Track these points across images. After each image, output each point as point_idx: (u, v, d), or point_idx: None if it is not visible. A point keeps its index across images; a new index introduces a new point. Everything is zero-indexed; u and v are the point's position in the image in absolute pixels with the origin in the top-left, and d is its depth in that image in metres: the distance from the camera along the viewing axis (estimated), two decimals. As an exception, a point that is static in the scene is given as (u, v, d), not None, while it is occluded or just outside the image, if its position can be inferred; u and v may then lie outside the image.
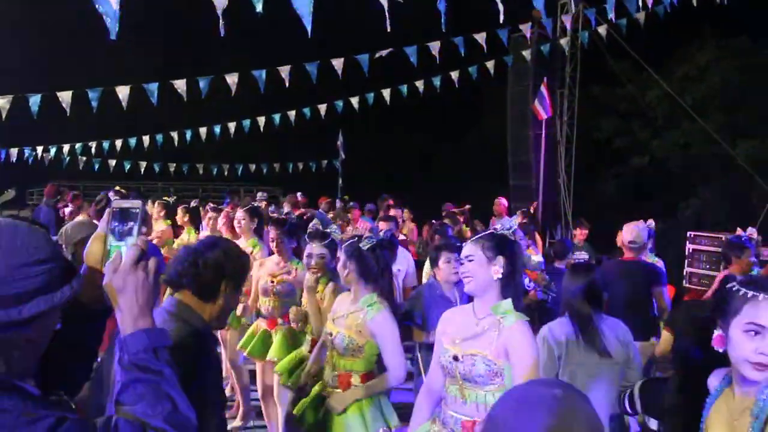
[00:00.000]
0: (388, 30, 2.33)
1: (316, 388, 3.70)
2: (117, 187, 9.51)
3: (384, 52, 9.71)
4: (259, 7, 1.98)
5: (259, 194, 13.40)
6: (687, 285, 9.35)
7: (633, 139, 19.43)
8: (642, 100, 17.36)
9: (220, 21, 2.01)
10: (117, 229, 1.55)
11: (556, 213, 13.54)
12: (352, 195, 14.70)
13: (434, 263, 4.77)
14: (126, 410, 1.40)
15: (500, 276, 2.83)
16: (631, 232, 5.59)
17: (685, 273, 9.59)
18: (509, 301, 2.84)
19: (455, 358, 2.84)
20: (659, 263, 6.11)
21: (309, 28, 1.99)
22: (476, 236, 2.97)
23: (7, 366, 1.33)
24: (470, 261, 2.88)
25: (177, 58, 19.15)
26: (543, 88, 11.61)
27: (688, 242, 9.75)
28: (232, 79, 9.59)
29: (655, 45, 14.96)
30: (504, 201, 10.81)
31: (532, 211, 11.18)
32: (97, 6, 1.94)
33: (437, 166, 23.21)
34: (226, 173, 19.64)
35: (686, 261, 9.74)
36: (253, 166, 19.72)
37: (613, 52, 14.24)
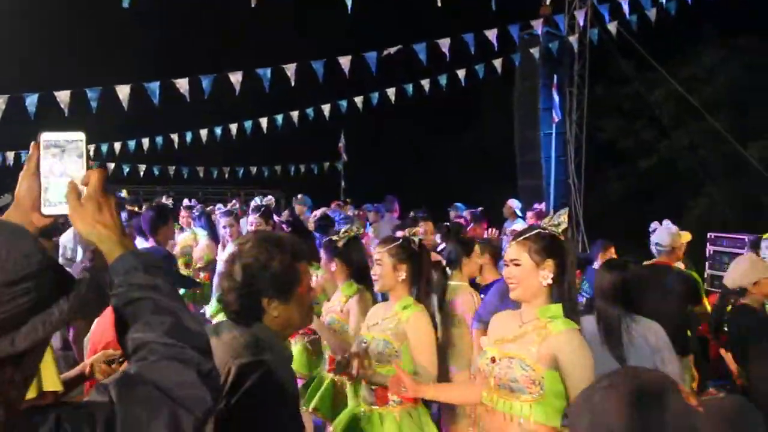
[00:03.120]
0: (439, 4, 2.06)
1: (351, 409, 3.39)
2: (123, 192, 9.22)
3: (392, 50, 9.45)
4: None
5: (268, 197, 13.06)
6: (709, 288, 9.05)
7: (637, 139, 19.19)
8: (647, 99, 17.11)
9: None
10: (54, 164, 1.34)
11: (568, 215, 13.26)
12: (354, 197, 14.47)
13: None
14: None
15: (549, 281, 2.58)
16: (660, 235, 5.28)
17: (706, 276, 9.28)
18: (559, 306, 2.59)
19: (492, 360, 2.61)
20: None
21: (349, 3, 1.73)
22: (521, 236, 2.67)
23: (7, 410, 1.03)
24: (516, 265, 2.62)
25: (179, 56, 18.77)
26: (554, 90, 11.34)
27: (708, 244, 9.45)
28: (236, 77, 9.32)
29: (659, 45, 14.72)
30: (515, 203, 10.53)
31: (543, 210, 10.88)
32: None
33: (439, 166, 22.94)
34: (226, 176, 19.34)
35: (707, 263, 9.44)
36: (254, 169, 19.42)
37: (614, 54, 14.03)
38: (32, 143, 1.35)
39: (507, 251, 2.70)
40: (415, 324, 3.23)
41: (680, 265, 5.69)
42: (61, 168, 1.34)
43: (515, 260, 2.62)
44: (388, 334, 3.27)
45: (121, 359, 2.75)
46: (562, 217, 2.73)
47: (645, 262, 5.70)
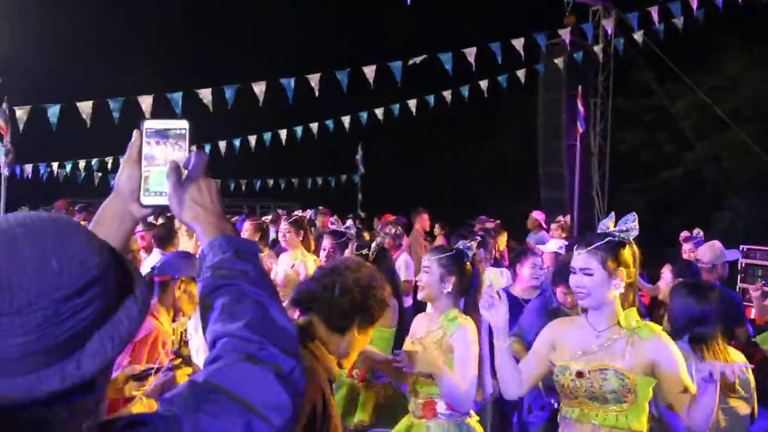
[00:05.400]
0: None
1: (404, 421, 3.25)
2: None
3: (418, 60, 9.32)
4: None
5: (280, 210, 12.94)
6: (744, 303, 8.82)
7: (659, 151, 18.94)
8: (670, 111, 16.91)
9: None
10: (154, 153, 1.27)
11: (591, 227, 13.06)
12: (371, 210, 14.33)
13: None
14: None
15: (622, 290, 2.54)
16: (707, 252, 5.07)
17: (738, 289, 9.05)
18: (634, 310, 2.57)
19: (579, 375, 2.50)
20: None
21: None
22: (592, 245, 2.56)
23: None
24: (588, 275, 2.53)
25: (202, 66, 18.66)
26: (579, 100, 11.17)
27: (741, 256, 9.21)
28: (259, 88, 9.20)
29: (681, 55, 14.54)
30: (540, 215, 10.34)
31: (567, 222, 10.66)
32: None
33: (459, 178, 22.72)
34: (243, 189, 19.19)
35: (739, 276, 9.21)
36: (270, 182, 19.26)
37: (639, 63, 13.89)
38: (135, 131, 1.27)
39: (575, 259, 2.61)
40: (462, 337, 3.09)
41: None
42: (163, 157, 1.26)
43: (586, 270, 2.53)
44: (435, 348, 3.14)
45: (148, 373, 2.60)
46: (633, 224, 2.61)
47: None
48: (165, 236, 5.69)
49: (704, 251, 5.18)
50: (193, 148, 1.29)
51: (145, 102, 8.89)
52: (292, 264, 5.47)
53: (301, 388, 1.08)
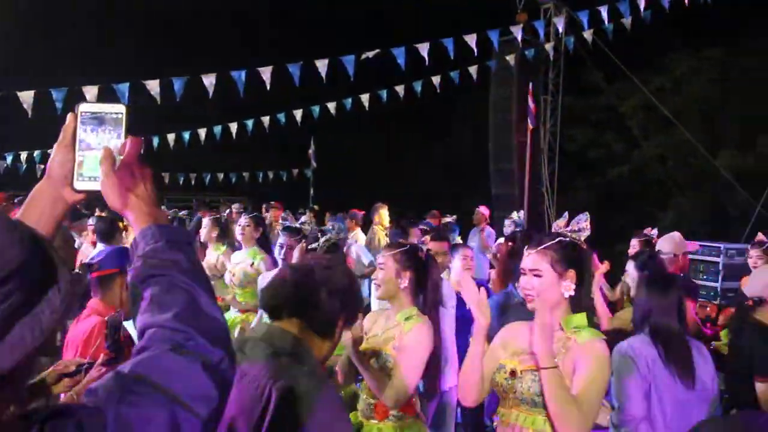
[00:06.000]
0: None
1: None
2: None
3: (370, 54, 9.28)
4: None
5: (235, 206, 12.80)
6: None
7: (606, 149, 19.30)
8: (617, 110, 17.26)
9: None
10: (89, 137, 1.24)
11: (541, 224, 13.23)
12: (323, 204, 14.26)
13: None
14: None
15: (572, 293, 2.44)
16: (667, 243, 5.19)
17: (681, 284, 9.27)
18: (583, 315, 2.47)
19: (512, 374, 2.43)
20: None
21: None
22: (542, 245, 2.49)
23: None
24: (537, 276, 2.46)
25: (150, 56, 18.18)
26: (529, 98, 11.28)
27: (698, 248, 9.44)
28: (209, 80, 9.03)
29: (628, 56, 14.83)
30: (485, 210, 10.44)
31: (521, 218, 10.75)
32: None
33: (411, 174, 22.76)
34: (192, 183, 18.88)
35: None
36: (221, 176, 19.00)
37: (588, 61, 14.09)
38: (69, 113, 1.24)
39: (525, 260, 2.53)
40: (416, 336, 3.03)
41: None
42: (98, 141, 1.23)
43: (536, 271, 2.46)
44: (390, 347, 3.08)
45: (80, 369, 2.50)
46: (585, 224, 2.59)
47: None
48: (107, 230, 5.54)
49: (664, 242, 5.29)
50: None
51: (90, 92, 8.63)
52: (250, 262, 5.39)
53: (229, 379, 1.06)
